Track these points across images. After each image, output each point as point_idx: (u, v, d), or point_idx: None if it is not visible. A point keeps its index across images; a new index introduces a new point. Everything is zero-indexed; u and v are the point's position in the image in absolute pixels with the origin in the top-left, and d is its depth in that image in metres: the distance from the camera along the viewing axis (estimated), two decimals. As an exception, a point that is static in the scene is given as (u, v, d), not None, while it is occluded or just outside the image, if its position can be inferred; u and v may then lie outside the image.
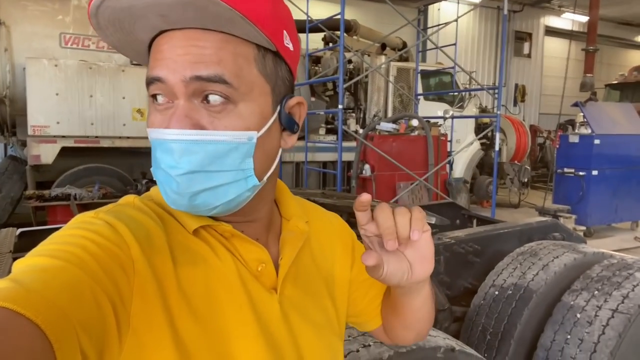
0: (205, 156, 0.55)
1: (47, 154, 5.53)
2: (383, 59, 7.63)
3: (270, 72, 0.60)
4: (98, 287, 0.46)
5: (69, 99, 5.63)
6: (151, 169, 0.59)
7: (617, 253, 2.19)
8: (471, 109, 8.89)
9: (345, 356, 1.10)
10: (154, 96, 0.58)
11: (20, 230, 2.67)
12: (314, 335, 0.68)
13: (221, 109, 0.56)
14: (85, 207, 5.49)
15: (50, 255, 0.47)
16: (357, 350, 1.12)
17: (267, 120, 0.60)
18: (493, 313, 1.94)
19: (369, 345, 1.13)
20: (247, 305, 0.60)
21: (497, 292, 1.98)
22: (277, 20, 0.59)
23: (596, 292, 1.77)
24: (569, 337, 1.69)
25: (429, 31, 9.40)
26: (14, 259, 1.98)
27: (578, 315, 1.73)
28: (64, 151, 5.62)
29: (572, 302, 1.78)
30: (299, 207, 0.74)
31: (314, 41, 8.12)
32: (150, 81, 0.56)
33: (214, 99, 0.55)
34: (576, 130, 7.22)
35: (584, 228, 6.89)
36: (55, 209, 5.25)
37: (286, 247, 0.67)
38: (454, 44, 8.15)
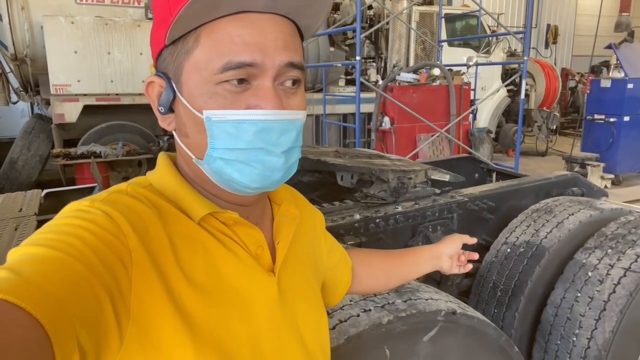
0: (297, 133, 0.61)
1: (70, 112, 5.62)
2: (405, 3, 7.31)
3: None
4: (96, 280, 0.47)
5: (87, 57, 5.65)
6: (212, 151, 0.58)
7: (637, 209, 2.13)
8: (498, 54, 8.54)
9: (345, 320, 1.14)
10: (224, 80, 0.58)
11: (45, 191, 2.76)
12: (309, 313, 0.72)
13: (295, 91, 0.61)
14: (110, 165, 5.63)
15: (49, 246, 0.48)
16: (358, 315, 1.15)
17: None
18: (504, 270, 1.94)
19: (370, 310, 1.16)
20: (247, 287, 0.62)
21: (509, 250, 1.98)
22: None
23: (609, 250, 1.74)
24: (579, 294, 1.69)
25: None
26: (39, 222, 2.06)
27: (589, 274, 1.71)
28: (87, 109, 5.70)
29: (584, 260, 1.76)
30: (287, 192, 0.77)
31: (332, -13, 7.81)
32: (238, 65, 0.56)
33: (293, 82, 0.61)
34: (609, 74, 6.89)
35: (612, 176, 6.73)
36: (83, 166, 5.41)
37: (282, 231, 0.70)
38: (481, -15, 7.71)
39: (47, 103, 5.94)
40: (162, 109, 0.62)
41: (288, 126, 0.59)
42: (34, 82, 6.11)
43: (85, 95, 5.69)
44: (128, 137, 5.90)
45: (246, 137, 0.57)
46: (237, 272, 0.61)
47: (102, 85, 5.78)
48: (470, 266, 1.08)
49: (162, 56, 0.62)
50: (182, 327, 0.54)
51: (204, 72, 0.57)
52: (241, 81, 0.57)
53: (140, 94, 5.97)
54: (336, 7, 7.82)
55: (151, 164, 6.01)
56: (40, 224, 2.07)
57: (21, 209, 2.31)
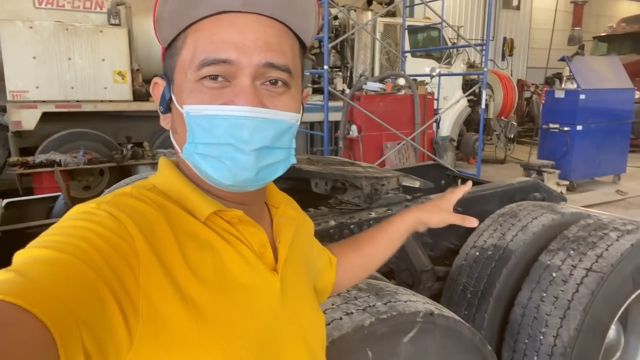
0: (274, 133, 0.60)
1: (28, 119, 5.42)
2: (370, 15, 7.46)
3: (302, 64, 0.68)
4: (102, 282, 0.47)
5: (47, 62, 5.46)
6: (189, 145, 0.60)
7: (595, 212, 2.25)
8: (459, 65, 8.82)
9: (329, 324, 1.16)
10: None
11: (6, 201, 2.66)
12: (309, 312, 0.74)
13: (282, 92, 0.62)
14: (70, 173, 5.45)
15: (55, 248, 0.48)
16: (340, 318, 1.17)
17: (301, 106, 0.67)
18: (473, 273, 2.01)
19: (352, 313, 1.18)
20: (253, 284, 0.63)
21: (477, 253, 2.05)
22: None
23: (572, 251, 1.84)
24: (544, 295, 1.77)
25: (416, -16, 9.16)
26: (2, 232, 1.98)
27: (554, 274, 1.80)
28: (46, 116, 5.50)
29: (548, 262, 1.85)
30: (283, 197, 0.80)
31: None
32: (213, 62, 0.58)
33: (277, 83, 0.61)
34: (562, 85, 7.23)
35: (567, 182, 7.03)
36: (41, 176, 5.21)
37: (282, 231, 0.72)
38: (441, -1, 7.97)
39: (3, 110, 5.70)
40: (161, 108, 0.65)
41: (263, 125, 0.59)
42: (-11, 88, 5.86)
43: (44, 102, 5.50)
44: (90, 145, 5.73)
45: (218, 133, 0.58)
46: (243, 270, 0.62)
47: (62, 91, 5.60)
48: (474, 222, 0.95)
49: (165, 59, 0.65)
50: (190, 324, 0.54)
51: (188, 70, 0.60)
52: (216, 77, 0.59)
53: (102, 101, 5.83)
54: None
55: (114, 172, 5.88)
56: (3, 234, 1.99)
57: (-19, 219, 2.22)
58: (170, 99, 0.64)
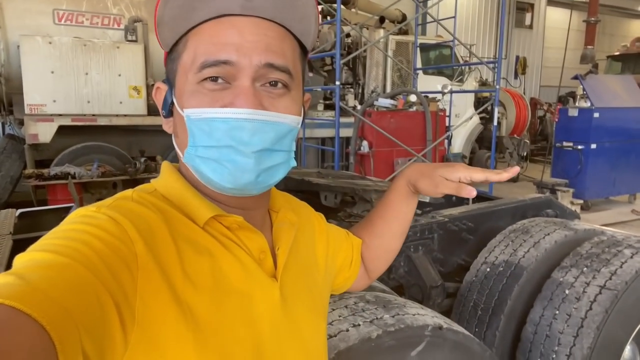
0: (274, 136, 0.60)
1: (44, 132, 5.52)
2: (382, 32, 7.53)
3: (302, 68, 0.68)
4: (102, 285, 0.47)
5: (64, 77, 5.58)
6: (191, 149, 0.60)
7: (608, 229, 2.22)
8: (471, 83, 8.82)
9: (335, 335, 1.14)
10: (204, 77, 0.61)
11: (20, 211, 2.70)
12: (310, 319, 0.73)
13: (282, 94, 0.62)
14: (84, 186, 5.52)
15: (55, 252, 0.48)
16: (347, 330, 1.15)
17: (301, 109, 0.67)
18: (484, 289, 1.98)
19: (359, 325, 1.17)
20: (251, 291, 0.62)
21: (488, 269, 2.02)
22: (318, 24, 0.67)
23: (585, 268, 1.80)
24: (557, 312, 1.74)
25: (429, 4, 9.24)
26: (14, 241, 2.01)
27: (567, 292, 1.76)
28: (62, 129, 5.60)
29: (561, 279, 1.82)
30: (283, 199, 0.78)
31: (311, 15, 7.98)
32: (213, 63, 0.58)
33: (277, 84, 0.61)
34: (576, 104, 7.19)
35: (581, 201, 6.94)
36: (55, 188, 5.27)
37: (282, 238, 0.71)
38: (454, 17, 8.02)
39: (21, 123, 5.82)
40: (163, 112, 0.65)
41: (263, 127, 0.59)
42: (8, 102, 5.99)
43: (60, 115, 5.60)
44: (104, 158, 5.81)
45: (217, 135, 0.58)
46: (241, 277, 0.62)
47: (78, 105, 5.71)
48: (473, 191, 0.77)
49: (167, 63, 0.66)
50: (186, 330, 0.54)
51: (188, 73, 0.60)
52: (216, 79, 0.59)
53: (117, 115, 5.93)
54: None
55: (127, 185, 5.93)
56: (15, 243, 2.02)
57: (-5, 229, 2.24)
58: (172, 102, 0.64)
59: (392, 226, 0.94)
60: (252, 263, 0.64)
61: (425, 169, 0.86)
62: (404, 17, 8.66)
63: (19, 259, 0.48)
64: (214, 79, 0.59)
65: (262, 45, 0.59)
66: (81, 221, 0.54)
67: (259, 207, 0.71)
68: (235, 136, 0.58)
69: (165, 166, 0.69)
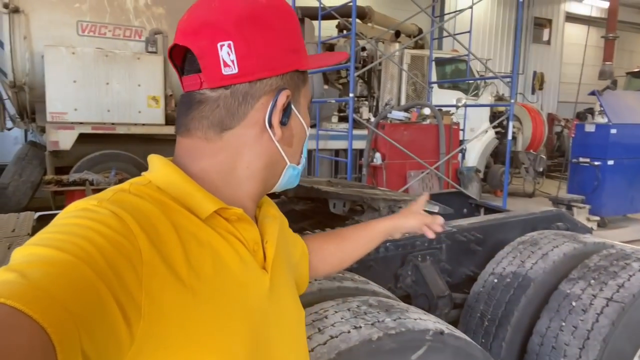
0: None
1: (65, 140, 5.66)
2: (397, 46, 7.59)
3: None
4: (103, 283, 0.47)
5: (86, 86, 5.74)
6: (303, 158, 0.78)
7: (618, 243, 2.20)
8: (486, 97, 8.81)
9: (337, 336, 1.17)
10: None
11: (38, 214, 2.78)
12: (294, 309, 0.77)
13: None
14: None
15: (57, 247, 0.47)
16: (349, 332, 1.18)
17: None
18: (491, 300, 1.98)
19: (360, 327, 1.19)
20: (247, 282, 0.65)
21: (496, 280, 2.02)
22: None
23: (592, 281, 1.79)
24: (563, 324, 1.73)
25: (445, 18, 9.29)
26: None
27: (573, 304, 1.76)
28: (82, 137, 5.74)
29: (568, 291, 1.81)
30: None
31: (327, 28, 8.10)
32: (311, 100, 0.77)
33: None
34: (594, 119, 7.12)
35: (598, 218, 6.83)
36: (73, 194, 5.38)
37: (268, 231, 0.74)
38: (469, 32, 8.05)
39: (42, 130, 5.98)
40: (285, 120, 0.70)
41: None
42: (31, 110, 6.17)
43: (81, 123, 5.75)
44: (121, 166, 5.92)
45: (305, 147, 0.77)
46: (239, 268, 0.64)
47: (98, 114, 5.85)
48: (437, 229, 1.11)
49: (287, 75, 0.70)
50: (191, 320, 0.56)
51: (307, 99, 0.75)
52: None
53: (135, 124, 6.05)
54: (331, 48, 8.09)
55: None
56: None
57: (14, 230, 2.32)
58: (291, 114, 0.71)
59: (359, 251, 1.09)
60: (248, 255, 0.67)
61: (405, 212, 1.14)
62: (420, 31, 8.72)
63: (19, 252, 0.48)
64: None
65: None
66: (83, 215, 0.54)
67: (256, 202, 0.75)
68: (305, 148, 0.78)
69: (159, 159, 0.69)
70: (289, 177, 0.75)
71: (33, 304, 0.40)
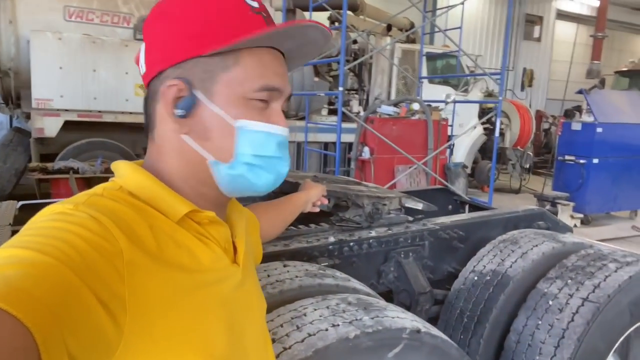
0: None
1: (50, 127, 5.60)
2: (388, 40, 7.58)
3: None
4: (85, 286, 0.47)
5: (72, 73, 5.67)
6: (241, 156, 0.66)
7: (597, 243, 2.24)
8: (476, 93, 8.85)
9: (314, 334, 1.18)
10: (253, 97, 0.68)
11: (21, 203, 2.75)
12: (259, 296, 0.82)
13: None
14: (87, 181, 5.58)
15: (38, 250, 0.48)
16: (326, 329, 1.19)
17: None
18: (471, 297, 2.01)
19: (338, 325, 1.20)
20: (222, 276, 0.68)
21: (476, 278, 2.05)
22: None
23: (569, 280, 1.83)
24: (540, 322, 1.76)
25: (437, 13, 9.28)
26: (14, 232, 2.06)
27: (550, 302, 1.79)
28: (68, 125, 5.68)
29: (545, 290, 1.84)
30: None
31: (318, 20, 8.05)
32: (271, 88, 0.68)
33: None
34: (581, 118, 7.19)
35: (581, 216, 6.90)
36: (59, 182, 5.33)
37: (237, 227, 0.77)
38: (459, 28, 8.06)
39: (28, 117, 5.91)
40: (181, 112, 0.64)
41: (287, 142, 0.73)
42: (16, 95, 6.08)
43: (67, 110, 5.68)
44: (108, 154, 5.87)
45: (271, 147, 0.68)
46: (214, 264, 0.67)
47: (84, 101, 5.79)
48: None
49: (186, 63, 0.64)
50: (174, 311, 0.58)
51: (238, 88, 0.65)
52: (264, 101, 0.67)
53: (122, 113, 5.99)
54: (322, 40, 8.03)
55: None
56: (14, 234, 2.06)
57: (-5, 219, 2.29)
58: (195, 104, 0.65)
59: (288, 220, 1.32)
60: (221, 252, 0.69)
61: (308, 186, 1.44)
62: (412, 25, 8.71)
63: (1, 254, 0.48)
64: (264, 100, 0.68)
65: (287, 78, 0.72)
66: (61, 219, 0.54)
67: (227, 203, 0.77)
68: (282, 150, 0.70)
69: (125, 164, 0.68)
70: (229, 177, 0.67)
71: (16, 304, 0.40)
